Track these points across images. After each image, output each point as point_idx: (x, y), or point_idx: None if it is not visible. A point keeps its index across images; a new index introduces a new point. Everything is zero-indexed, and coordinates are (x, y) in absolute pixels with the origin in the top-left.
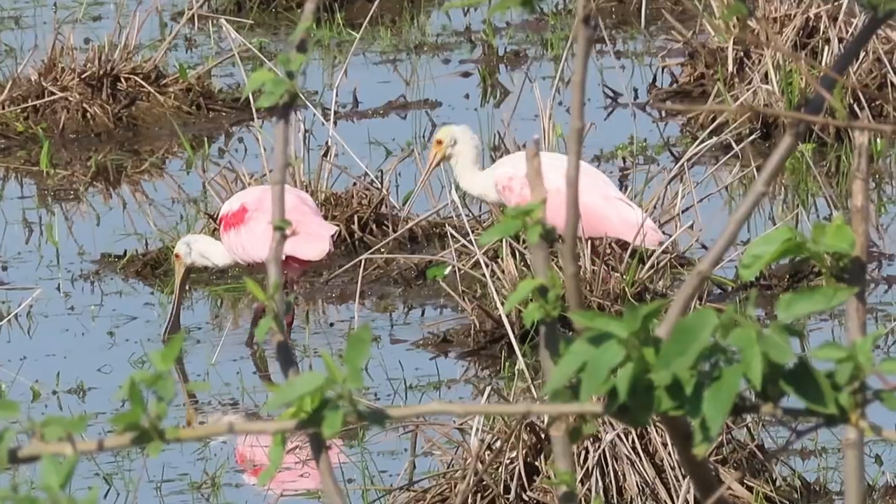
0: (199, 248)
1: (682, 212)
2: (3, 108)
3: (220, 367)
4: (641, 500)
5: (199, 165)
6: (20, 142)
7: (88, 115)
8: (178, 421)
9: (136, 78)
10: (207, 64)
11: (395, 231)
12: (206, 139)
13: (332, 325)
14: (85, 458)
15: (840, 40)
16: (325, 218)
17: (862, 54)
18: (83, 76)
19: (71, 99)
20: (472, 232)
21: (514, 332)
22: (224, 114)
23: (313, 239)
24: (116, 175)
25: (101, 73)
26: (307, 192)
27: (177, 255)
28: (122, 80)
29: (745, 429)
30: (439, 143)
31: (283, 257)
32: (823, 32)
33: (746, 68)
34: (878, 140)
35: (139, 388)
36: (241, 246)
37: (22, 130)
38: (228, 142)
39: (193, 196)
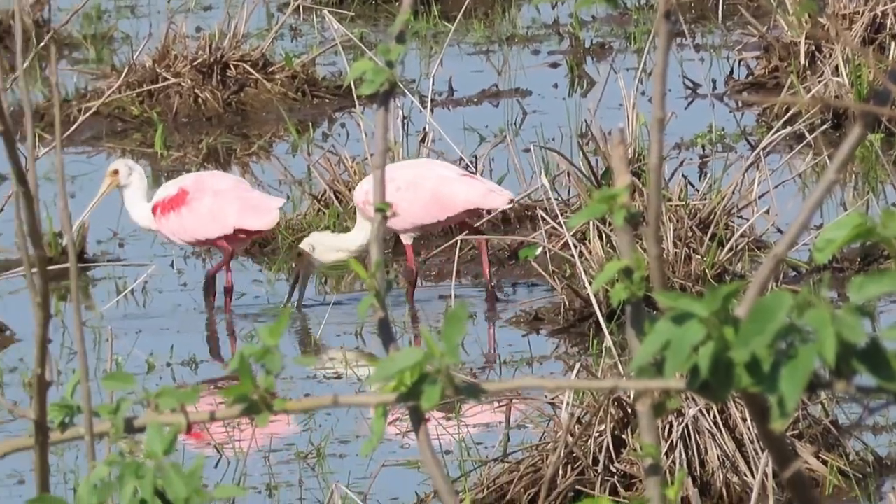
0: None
1: (759, 197)
2: (120, 93)
3: (324, 340)
4: (722, 472)
5: (304, 149)
6: (136, 125)
7: (200, 100)
8: (285, 393)
9: (245, 65)
10: (312, 53)
11: (489, 213)
12: (310, 124)
13: (441, 298)
14: (198, 428)
15: None
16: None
17: None
18: (195, 63)
19: (183, 84)
20: (562, 215)
21: (601, 311)
22: (327, 100)
23: (261, 211)
24: (226, 157)
25: (212, 60)
26: None
27: (299, 254)
28: (232, 67)
29: (819, 405)
30: (300, 255)
31: (232, 230)
32: (890, 28)
33: (818, 62)
34: None
35: (248, 362)
36: (183, 227)
37: (137, 114)
38: (332, 126)
39: (299, 178)
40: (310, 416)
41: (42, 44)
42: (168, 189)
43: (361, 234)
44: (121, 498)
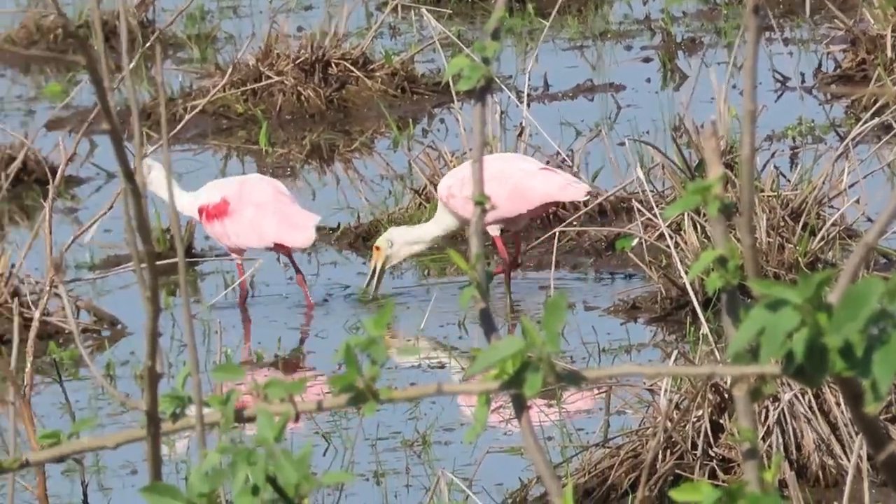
0: (404, 239)
1: (849, 187)
2: (225, 91)
3: (428, 331)
4: (818, 455)
5: (404, 144)
6: (240, 122)
7: (302, 97)
8: (390, 382)
9: (346, 63)
10: (410, 50)
11: (585, 206)
12: (410, 120)
13: (541, 288)
14: (305, 418)
15: None
16: None
17: None
18: (297, 61)
19: (286, 82)
20: (657, 206)
21: (697, 299)
22: (426, 96)
23: (300, 228)
24: (329, 153)
25: (314, 58)
26: None
27: (377, 248)
28: (333, 65)
29: None
30: (378, 249)
31: (272, 245)
32: None
33: None
34: None
35: (354, 352)
36: (227, 235)
37: (242, 112)
38: (431, 122)
39: (400, 173)
40: (415, 405)
41: (147, 44)
42: (211, 194)
43: (437, 226)
44: (232, 485)
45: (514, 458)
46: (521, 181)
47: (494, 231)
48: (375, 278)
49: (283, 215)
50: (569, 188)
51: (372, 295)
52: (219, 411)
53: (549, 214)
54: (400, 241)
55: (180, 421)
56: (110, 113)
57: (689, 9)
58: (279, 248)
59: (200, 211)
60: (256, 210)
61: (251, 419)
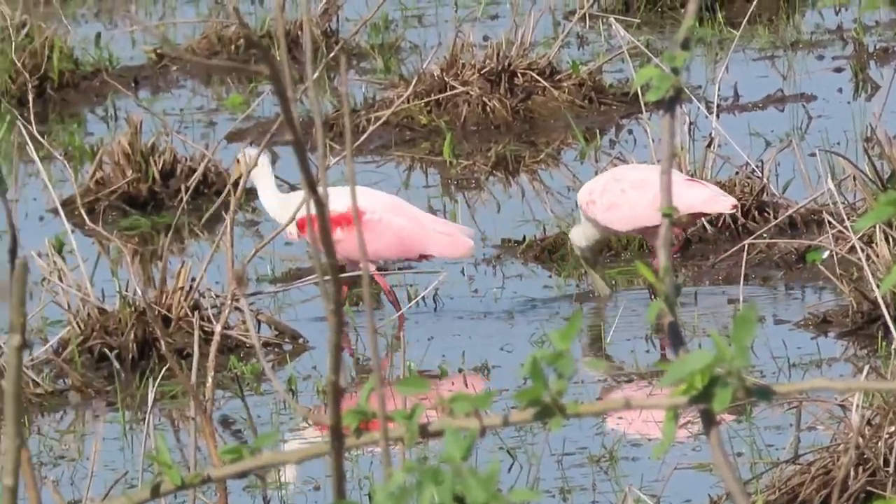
0: (577, 238)
1: None
2: (409, 102)
3: (614, 346)
4: None
5: (591, 156)
6: (424, 134)
7: (488, 108)
8: (576, 396)
9: (532, 73)
10: (598, 60)
11: (775, 217)
12: (597, 131)
13: (730, 302)
14: (490, 433)
15: None
16: None
17: None
18: (482, 71)
19: (471, 93)
20: (848, 218)
21: (889, 313)
22: (614, 107)
23: (459, 241)
24: (515, 165)
25: (499, 68)
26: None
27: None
28: (519, 75)
29: None
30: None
31: (417, 256)
32: None
33: None
34: None
35: (540, 366)
36: (353, 246)
37: (426, 123)
38: (619, 133)
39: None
40: (602, 420)
41: (331, 55)
42: (334, 203)
43: (575, 233)
44: (419, 503)
45: (702, 474)
46: None
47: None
48: (593, 279)
49: (443, 230)
50: (714, 200)
51: (607, 293)
52: (403, 426)
53: (738, 226)
54: (578, 244)
55: (364, 436)
56: (293, 124)
57: (881, 18)
58: (423, 258)
59: (303, 222)
60: (410, 221)
61: (436, 434)
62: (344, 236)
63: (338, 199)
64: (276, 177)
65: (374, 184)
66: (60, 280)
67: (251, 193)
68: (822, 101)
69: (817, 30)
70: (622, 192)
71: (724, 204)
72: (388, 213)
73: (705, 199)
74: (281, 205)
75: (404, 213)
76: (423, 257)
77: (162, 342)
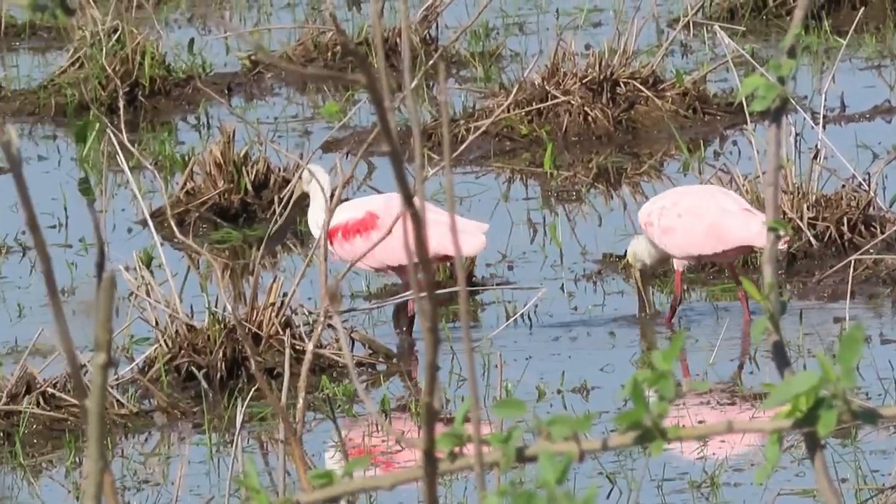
0: (640, 251)
1: None
2: (509, 112)
3: (717, 367)
4: None
5: (695, 167)
6: (524, 144)
7: (590, 118)
8: (677, 420)
9: (635, 82)
10: (702, 69)
11: (882, 232)
12: (701, 142)
13: (835, 320)
14: (589, 457)
15: None
16: (816, 219)
17: None
18: (584, 80)
19: (573, 102)
20: None
21: None
22: (718, 117)
23: (468, 234)
24: (617, 176)
25: (602, 77)
26: (798, 193)
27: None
28: (622, 84)
29: None
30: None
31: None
32: None
33: None
34: None
35: (642, 388)
36: (373, 252)
37: (526, 133)
38: (723, 144)
39: None
40: (704, 444)
41: (430, 62)
42: (353, 212)
43: (638, 246)
44: None
45: (806, 500)
46: (718, 220)
47: (679, 266)
48: (641, 297)
49: (444, 225)
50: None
51: (648, 314)
52: (499, 450)
53: (844, 241)
54: (641, 258)
55: (459, 460)
56: (391, 133)
57: None
58: (442, 259)
59: (334, 232)
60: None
61: (533, 458)
62: (362, 243)
63: (354, 207)
64: (371, 187)
65: (472, 195)
66: (148, 295)
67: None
68: None
69: None
70: (678, 217)
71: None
72: (390, 216)
73: (758, 232)
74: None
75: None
76: (440, 258)
77: (252, 361)
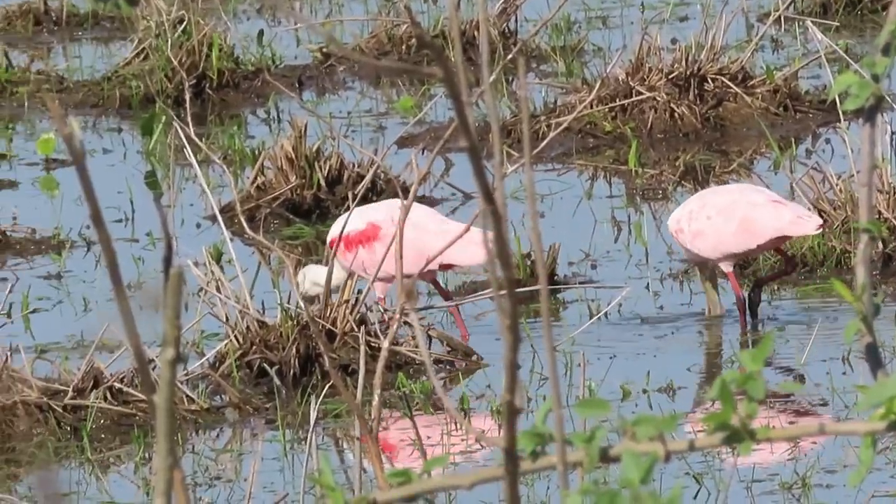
0: (311, 278)
1: None
2: (592, 108)
3: (809, 367)
4: None
5: (786, 166)
6: (608, 141)
7: (676, 115)
8: (767, 420)
9: (723, 78)
10: (794, 65)
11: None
12: (793, 140)
13: None
14: (676, 458)
15: None
16: None
17: None
18: (670, 76)
19: (658, 99)
20: None
21: None
22: (811, 115)
23: (471, 245)
24: (704, 175)
25: (688, 73)
26: (893, 193)
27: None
28: (709, 80)
29: None
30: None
31: (437, 266)
32: None
33: None
34: None
35: (730, 388)
36: (374, 262)
37: (610, 130)
38: (815, 142)
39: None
40: (794, 445)
41: (509, 56)
42: (354, 223)
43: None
44: None
45: None
46: (748, 214)
47: (728, 267)
48: (707, 294)
49: (447, 234)
50: (800, 222)
51: (718, 312)
52: (582, 450)
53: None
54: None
55: (541, 460)
56: (469, 129)
57: None
58: (446, 267)
59: (332, 242)
60: (416, 231)
61: (617, 459)
62: (365, 255)
63: (356, 218)
64: (448, 184)
65: (554, 193)
66: (218, 291)
67: (423, 202)
68: None
69: None
70: (708, 220)
71: (810, 225)
72: (393, 226)
73: (791, 220)
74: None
75: (414, 223)
76: (444, 266)
77: (325, 358)
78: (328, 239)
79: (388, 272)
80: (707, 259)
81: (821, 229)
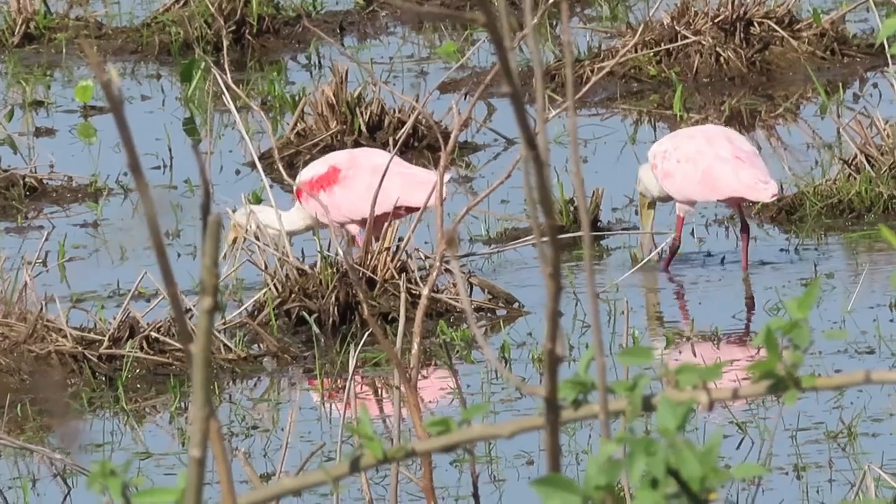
0: (260, 219)
1: None
2: (636, 52)
3: (856, 314)
4: None
5: (833, 111)
6: (653, 85)
7: (721, 59)
8: (812, 369)
9: (769, 22)
10: (841, 9)
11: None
12: (840, 84)
13: None
14: (719, 406)
15: None
16: None
17: None
18: (716, 20)
19: (704, 43)
20: None
21: None
22: (858, 59)
23: (426, 186)
24: (750, 119)
25: (734, 17)
26: None
27: (234, 226)
28: (756, 24)
29: None
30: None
31: (392, 208)
32: None
33: None
34: None
35: (775, 336)
36: (337, 206)
37: (654, 74)
38: (863, 87)
39: (828, 141)
40: (840, 394)
41: (553, 0)
42: (316, 168)
43: (648, 175)
44: (630, 477)
45: None
46: (711, 167)
47: (681, 212)
48: (642, 227)
49: (404, 176)
50: (755, 187)
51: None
52: (625, 399)
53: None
54: (649, 188)
55: (582, 409)
56: (511, 74)
57: None
58: (397, 213)
59: (299, 191)
60: (374, 174)
61: (654, 407)
62: (326, 197)
63: (318, 163)
64: (491, 129)
65: (597, 138)
66: (257, 239)
67: (464, 148)
68: None
69: None
70: (677, 163)
71: (765, 193)
72: (358, 169)
73: (747, 184)
74: (286, 217)
75: (373, 167)
76: (406, 209)
77: (364, 306)
78: (294, 188)
79: (348, 216)
80: (673, 199)
81: (774, 198)
